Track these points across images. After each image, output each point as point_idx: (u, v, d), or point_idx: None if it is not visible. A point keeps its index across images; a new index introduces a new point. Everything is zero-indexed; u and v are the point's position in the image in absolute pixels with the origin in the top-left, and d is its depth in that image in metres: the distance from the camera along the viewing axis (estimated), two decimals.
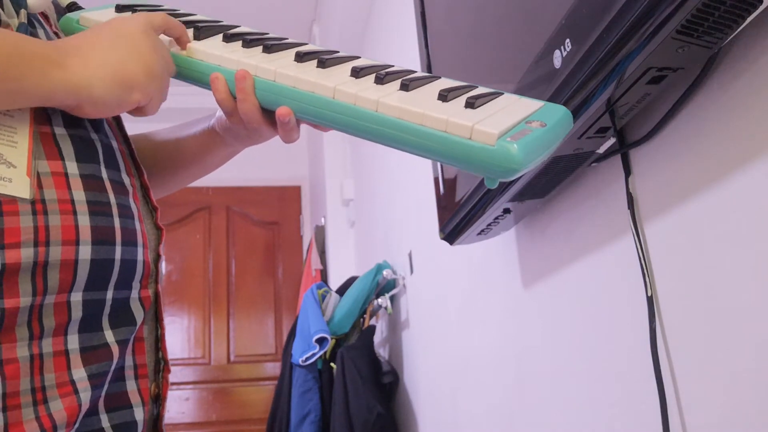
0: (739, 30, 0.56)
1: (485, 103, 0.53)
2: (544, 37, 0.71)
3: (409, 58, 1.73)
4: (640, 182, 0.76)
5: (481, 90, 0.56)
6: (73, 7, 0.66)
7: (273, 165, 3.69)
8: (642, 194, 0.76)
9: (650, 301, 0.72)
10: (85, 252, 0.50)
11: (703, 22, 0.53)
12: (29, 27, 0.53)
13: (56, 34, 0.59)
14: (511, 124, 0.50)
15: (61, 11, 0.65)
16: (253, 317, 3.68)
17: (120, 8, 0.66)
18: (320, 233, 3.30)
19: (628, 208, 0.76)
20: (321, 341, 2.06)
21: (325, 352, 2.15)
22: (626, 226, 0.78)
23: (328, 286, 2.50)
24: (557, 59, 0.68)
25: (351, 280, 2.33)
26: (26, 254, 0.46)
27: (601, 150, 0.76)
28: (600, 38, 0.60)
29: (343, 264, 3.08)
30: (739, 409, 0.61)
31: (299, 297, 3.05)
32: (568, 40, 0.66)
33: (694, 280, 0.67)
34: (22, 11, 0.53)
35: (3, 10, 0.52)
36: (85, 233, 0.50)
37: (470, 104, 0.52)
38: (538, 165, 0.50)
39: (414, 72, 0.60)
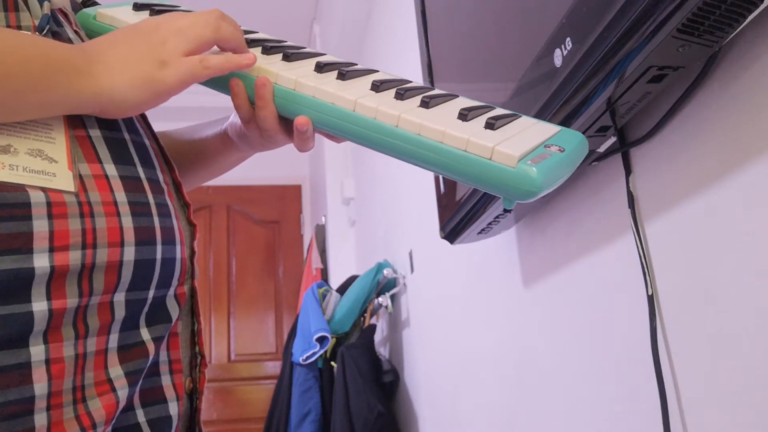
0: (739, 29, 0.56)
1: (504, 125, 0.54)
2: (545, 36, 0.71)
3: (410, 57, 1.73)
4: (640, 181, 0.76)
5: (499, 111, 0.57)
6: (88, 3, 0.66)
7: (273, 164, 3.68)
8: (642, 193, 0.76)
9: (651, 300, 0.72)
10: (130, 253, 0.50)
11: (703, 20, 0.53)
12: (55, 24, 0.54)
13: (77, 32, 0.59)
14: (531, 147, 0.50)
15: (76, 7, 0.65)
16: (253, 316, 3.68)
17: (137, 6, 0.66)
18: (321, 232, 3.30)
19: (629, 207, 0.76)
20: (321, 340, 2.07)
21: (325, 351, 2.15)
22: (627, 225, 0.78)
23: (329, 285, 2.50)
24: (558, 58, 0.68)
25: (351, 279, 2.34)
26: (74, 257, 0.47)
27: (602, 149, 0.76)
28: (601, 37, 0.60)
29: (344, 263, 3.08)
30: (739, 407, 0.61)
31: (300, 296, 3.06)
32: (568, 39, 0.66)
33: (694, 279, 0.67)
34: (46, 3, 0.53)
35: (29, 8, 0.52)
36: (129, 234, 0.50)
37: (490, 125, 0.52)
38: (554, 188, 0.51)
39: (433, 89, 0.60)
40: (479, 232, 1.06)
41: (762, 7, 0.53)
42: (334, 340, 2.17)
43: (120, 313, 0.50)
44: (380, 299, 2.10)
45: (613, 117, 0.69)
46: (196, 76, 0.55)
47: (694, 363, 0.67)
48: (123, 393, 0.50)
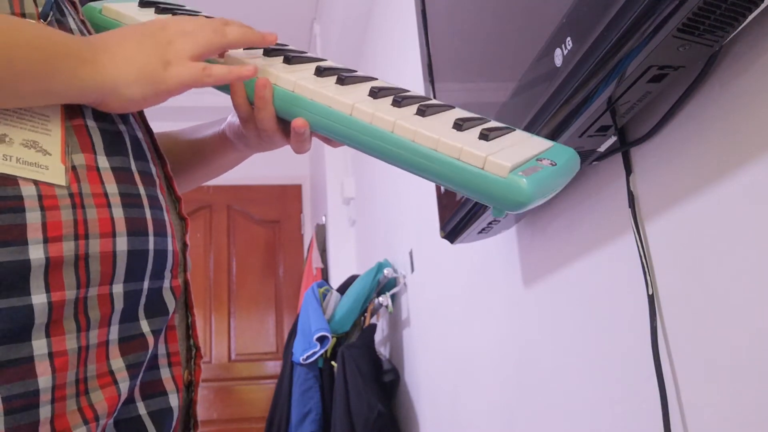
0: (740, 28, 0.56)
1: (498, 136, 0.55)
2: (545, 36, 0.71)
3: (410, 57, 1.73)
4: (640, 181, 0.76)
5: (494, 123, 0.58)
6: None
7: (274, 163, 3.68)
8: (643, 193, 0.76)
9: (651, 300, 0.72)
10: (122, 243, 0.51)
11: (704, 20, 0.53)
12: (59, 13, 0.54)
13: (83, 22, 0.59)
14: (523, 159, 0.52)
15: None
16: (254, 316, 3.68)
17: (143, 3, 0.67)
18: (321, 232, 3.30)
19: (629, 207, 0.76)
20: (322, 340, 2.07)
21: (325, 351, 2.15)
22: (627, 225, 0.78)
23: (329, 285, 2.50)
24: (558, 57, 0.68)
25: (352, 279, 2.34)
26: (68, 247, 0.47)
27: (602, 148, 0.76)
28: (601, 36, 0.60)
29: (344, 262, 3.08)
30: (740, 407, 0.61)
31: (300, 295, 3.06)
32: (569, 39, 0.66)
33: (695, 279, 0.67)
34: None
35: None
36: (120, 225, 0.51)
37: (484, 136, 0.53)
38: (544, 201, 0.52)
39: (430, 99, 0.61)
40: (479, 232, 1.06)
41: (762, 7, 0.53)
42: (335, 339, 2.17)
43: (119, 304, 0.51)
44: (380, 299, 2.10)
45: (613, 116, 0.69)
46: (197, 81, 0.56)
47: (694, 363, 0.67)
48: (124, 386, 0.51)
